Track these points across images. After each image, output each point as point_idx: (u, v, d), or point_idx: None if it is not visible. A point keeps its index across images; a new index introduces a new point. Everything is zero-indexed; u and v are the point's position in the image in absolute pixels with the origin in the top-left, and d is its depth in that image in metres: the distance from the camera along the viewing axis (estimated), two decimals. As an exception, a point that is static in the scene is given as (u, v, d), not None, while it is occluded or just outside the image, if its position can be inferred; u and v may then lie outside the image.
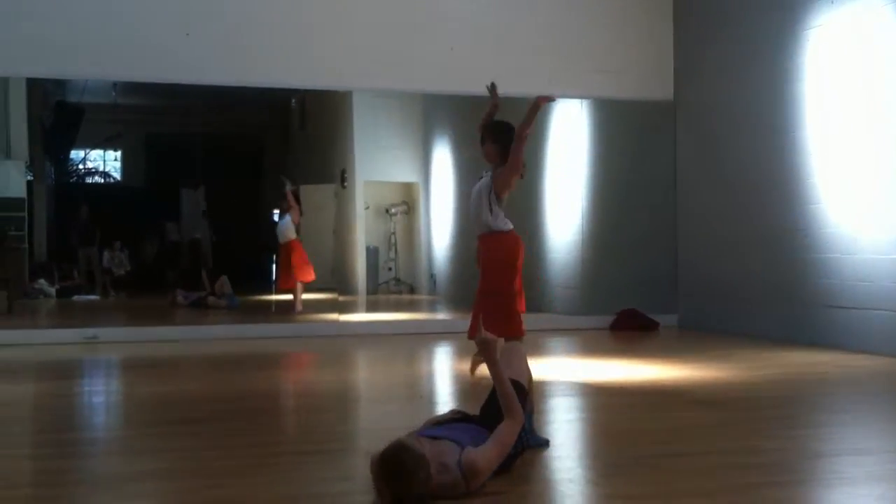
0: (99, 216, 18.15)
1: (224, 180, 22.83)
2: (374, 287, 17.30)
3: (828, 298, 8.35)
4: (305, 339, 9.80)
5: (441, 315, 13.18)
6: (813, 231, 8.53)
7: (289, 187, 12.61)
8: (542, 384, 6.02)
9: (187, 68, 9.71)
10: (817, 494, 3.74)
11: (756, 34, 9.35)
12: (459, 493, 3.39)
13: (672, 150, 10.79)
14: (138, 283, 19.10)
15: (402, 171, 17.80)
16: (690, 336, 9.74)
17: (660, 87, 10.73)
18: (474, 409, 4.05)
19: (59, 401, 6.18)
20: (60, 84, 19.93)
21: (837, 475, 3.96)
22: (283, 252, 12.65)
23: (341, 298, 15.50)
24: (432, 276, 17.12)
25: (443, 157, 16.63)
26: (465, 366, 6.74)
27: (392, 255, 18.01)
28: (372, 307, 14.52)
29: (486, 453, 3.50)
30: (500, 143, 6.11)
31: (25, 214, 16.90)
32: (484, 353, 3.82)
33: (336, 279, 17.24)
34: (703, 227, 10.31)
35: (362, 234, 17.11)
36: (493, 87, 6.36)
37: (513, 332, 5.99)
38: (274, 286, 13.69)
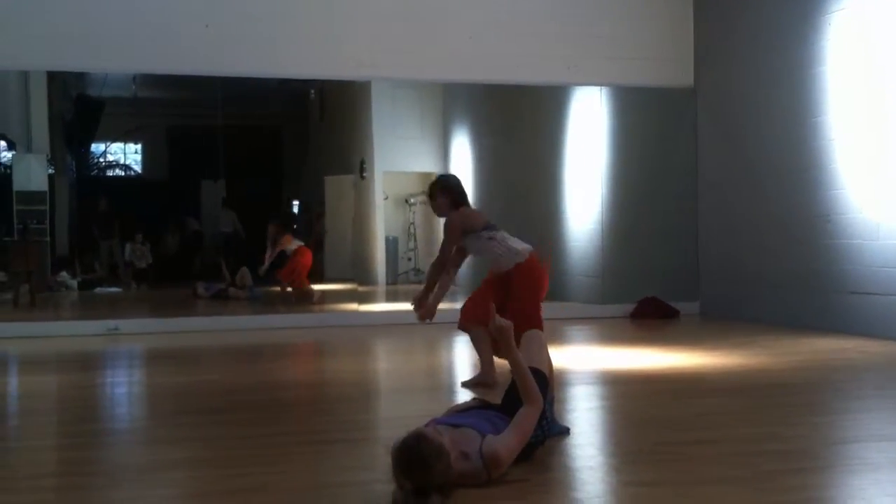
0: (120, 209, 18.25)
1: (244, 172, 22.89)
2: (393, 277, 17.28)
3: (850, 285, 8.30)
4: (326, 330, 9.83)
5: (460, 304, 13.10)
6: (835, 217, 8.48)
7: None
8: (562, 373, 6.02)
9: (207, 60, 9.76)
10: (841, 481, 3.72)
11: (777, 18, 9.28)
12: (482, 481, 3.40)
13: (693, 136, 10.74)
14: (160, 275, 19.20)
15: (421, 161, 17.76)
16: (712, 324, 9.70)
17: (680, 74, 10.69)
18: (495, 399, 4.06)
19: (83, 392, 6.24)
20: (80, 77, 20.00)
21: (861, 461, 3.94)
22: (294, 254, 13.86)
23: (361, 288, 15.52)
24: (452, 266, 17.06)
25: (462, 147, 16.58)
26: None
27: (411, 245, 17.99)
28: (391, 297, 14.52)
29: (506, 441, 3.49)
30: (447, 196, 6.04)
31: (47, 207, 16.98)
32: (500, 339, 3.76)
33: (355, 269, 17.25)
34: (725, 213, 10.26)
35: (381, 224, 17.09)
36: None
37: (532, 325, 5.93)
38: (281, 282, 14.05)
